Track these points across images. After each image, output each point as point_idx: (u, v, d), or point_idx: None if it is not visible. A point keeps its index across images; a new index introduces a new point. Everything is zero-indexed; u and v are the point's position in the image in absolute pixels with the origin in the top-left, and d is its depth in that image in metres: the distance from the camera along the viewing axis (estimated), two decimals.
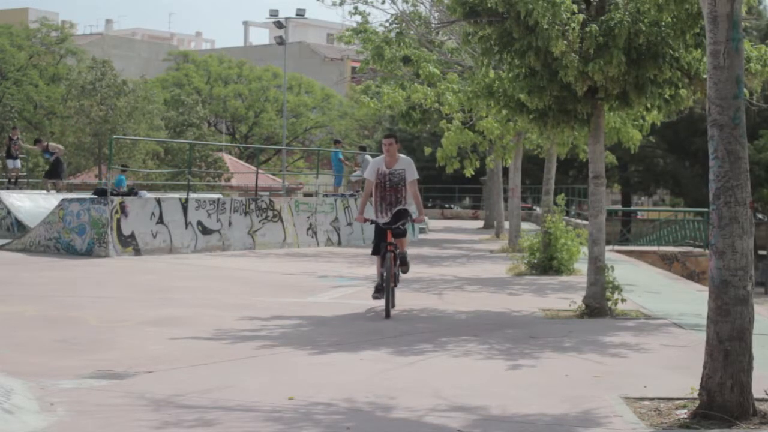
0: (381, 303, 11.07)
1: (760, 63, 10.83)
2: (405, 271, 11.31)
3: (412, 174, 11.00)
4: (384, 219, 10.95)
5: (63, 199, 19.29)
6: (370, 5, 22.29)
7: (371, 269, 16.31)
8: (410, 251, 24.20)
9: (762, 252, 38.56)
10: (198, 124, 49.56)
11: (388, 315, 10.50)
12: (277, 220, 22.07)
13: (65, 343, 8.70)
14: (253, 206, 21.39)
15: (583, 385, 7.17)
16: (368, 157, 26.17)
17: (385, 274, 10.61)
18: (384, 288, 10.65)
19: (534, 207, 43.98)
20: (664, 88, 11.00)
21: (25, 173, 30.50)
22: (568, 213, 33.88)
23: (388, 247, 10.68)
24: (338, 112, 59.49)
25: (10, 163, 26.36)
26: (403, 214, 10.93)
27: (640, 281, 15.43)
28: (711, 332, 6.14)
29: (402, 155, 11.11)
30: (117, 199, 18.39)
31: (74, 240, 18.26)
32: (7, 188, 25.15)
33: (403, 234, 10.93)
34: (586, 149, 15.46)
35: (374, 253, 11.01)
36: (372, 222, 11.01)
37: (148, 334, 9.27)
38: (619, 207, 46.44)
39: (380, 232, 10.86)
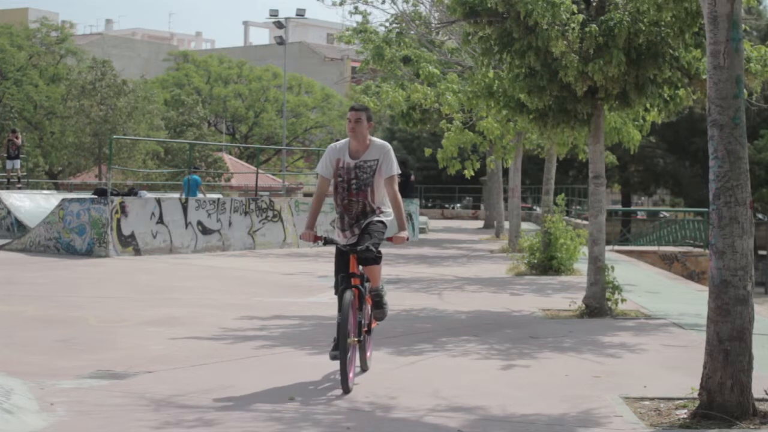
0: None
1: (760, 63, 10.84)
2: (380, 317, 7.41)
3: (389, 167, 7.15)
4: (347, 238, 7.21)
5: (63, 199, 19.31)
6: (370, 5, 22.32)
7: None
8: (410, 251, 24.11)
9: (762, 252, 38.58)
10: (198, 124, 49.57)
11: (346, 389, 6.72)
12: (277, 220, 22.07)
13: (65, 343, 8.70)
14: (253, 206, 21.39)
15: (582, 385, 7.18)
16: None
17: (341, 324, 6.65)
18: (340, 345, 6.65)
19: (534, 207, 44.00)
20: (663, 88, 11.00)
21: (25, 173, 30.47)
22: (568, 213, 33.89)
23: (353, 281, 6.92)
24: (338, 112, 59.46)
25: (9, 163, 26.37)
26: (374, 230, 7.12)
27: (640, 281, 15.43)
28: (711, 332, 6.14)
29: (376, 139, 7.27)
30: (117, 199, 18.40)
31: (74, 240, 18.26)
32: (7, 188, 25.19)
33: (375, 260, 7.05)
34: (586, 149, 15.47)
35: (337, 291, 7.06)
36: (325, 241, 7.06)
37: (148, 334, 9.27)
38: (619, 207, 46.47)
39: (341, 258, 7.10)
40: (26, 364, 7.60)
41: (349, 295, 6.77)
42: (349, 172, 7.20)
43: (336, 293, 6.99)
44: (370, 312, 7.36)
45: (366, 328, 7.28)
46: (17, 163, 26.35)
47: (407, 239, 7.08)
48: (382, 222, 7.24)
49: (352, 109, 7.28)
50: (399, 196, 7.23)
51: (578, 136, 15.35)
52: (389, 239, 7.02)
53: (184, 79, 58.96)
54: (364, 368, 7.44)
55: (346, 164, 7.20)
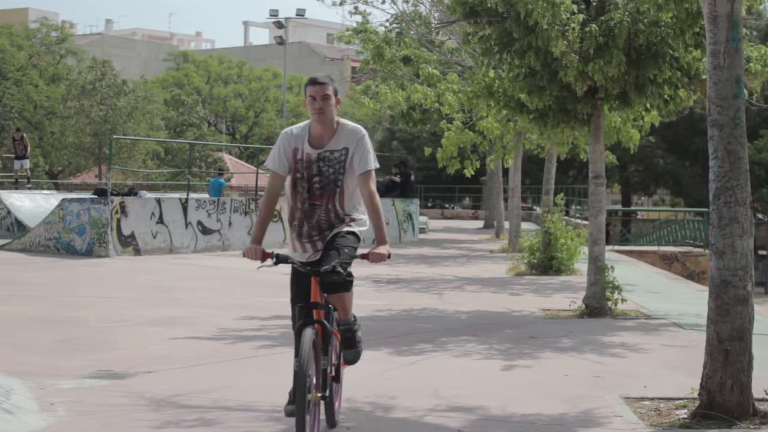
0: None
1: (760, 63, 10.84)
2: (352, 360, 5.70)
3: (364, 160, 5.42)
4: (306, 254, 5.59)
5: (63, 199, 19.31)
6: (370, 5, 22.32)
7: (371, 268, 16.31)
8: (410, 251, 24.06)
9: (762, 252, 38.56)
10: (198, 124, 49.58)
11: None
12: (277, 220, 22.00)
13: (65, 343, 8.70)
14: (253, 206, 21.39)
15: (582, 385, 7.18)
16: None
17: (298, 373, 4.96)
18: (297, 399, 4.94)
19: (534, 207, 44.00)
20: (663, 88, 11.01)
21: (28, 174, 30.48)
22: (568, 213, 33.90)
23: (315, 313, 5.24)
24: (338, 112, 59.33)
25: (17, 163, 26.38)
26: (343, 245, 5.40)
27: (640, 281, 15.43)
28: (711, 332, 6.14)
29: (346, 122, 5.59)
30: (117, 199, 18.40)
31: (74, 240, 18.26)
32: (16, 188, 25.26)
33: (344, 285, 5.36)
34: (586, 149, 15.48)
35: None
36: (278, 260, 5.31)
37: (148, 334, 9.27)
38: (619, 207, 46.47)
39: (299, 282, 5.47)
40: (26, 364, 7.60)
41: (309, 334, 5.00)
42: (309, 166, 5.44)
43: (293, 329, 5.30)
44: (338, 351, 5.62)
45: (333, 374, 5.49)
46: (26, 162, 26.32)
47: (388, 257, 5.23)
48: (353, 234, 5.48)
49: (315, 82, 5.41)
50: (377, 198, 5.36)
51: (578, 136, 15.37)
52: (364, 257, 5.25)
53: (184, 79, 58.97)
54: (331, 424, 5.71)
55: (306, 155, 5.44)
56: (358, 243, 5.48)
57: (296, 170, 5.47)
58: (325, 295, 5.35)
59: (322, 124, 5.43)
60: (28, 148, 26.63)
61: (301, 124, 5.57)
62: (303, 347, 4.96)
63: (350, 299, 5.51)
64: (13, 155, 26.70)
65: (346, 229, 5.48)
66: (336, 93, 5.47)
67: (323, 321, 5.25)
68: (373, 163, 5.44)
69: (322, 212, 5.48)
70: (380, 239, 5.29)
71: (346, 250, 5.35)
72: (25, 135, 27.47)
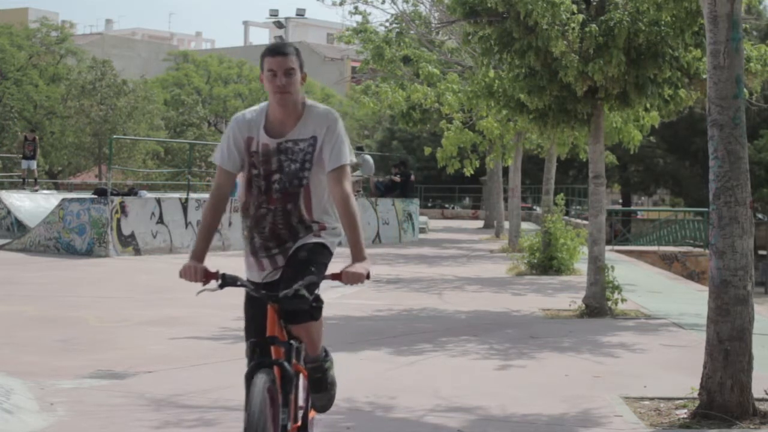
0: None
1: (760, 63, 10.85)
2: (323, 406, 4.61)
3: (337, 152, 4.21)
4: (263, 272, 4.39)
5: (63, 199, 19.31)
6: (370, 5, 22.36)
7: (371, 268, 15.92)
8: (410, 251, 24.10)
9: (762, 252, 38.59)
10: (198, 124, 49.60)
11: None
12: None
13: (65, 343, 8.70)
14: None
15: (582, 385, 7.18)
16: (368, 157, 26.14)
17: (247, 428, 3.69)
18: None
19: (534, 207, 44.01)
20: (663, 87, 11.01)
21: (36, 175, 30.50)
22: (567, 213, 33.91)
23: (273, 352, 4.07)
24: (338, 112, 59.31)
25: (24, 163, 26.40)
26: (310, 260, 4.26)
27: (640, 281, 15.43)
28: (711, 332, 6.14)
29: (315, 103, 4.37)
30: (117, 199, 18.41)
31: (74, 240, 18.27)
32: (23, 188, 25.31)
33: (311, 314, 4.23)
34: (586, 149, 15.49)
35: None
36: (224, 282, 4.13)
37: (148, 334, 9.27)
38: (619, 207, 46.49)
39: (253, 309, 4.30)
40: (26, 364, 7.60)
41: (262, 381, 3.82)
42: (267, 159, 4.25)
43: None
44: (305, 396, 4.50)
45: (298, 424, 4.33)
46: (33, 163, 26.32)
47: (367, 276, 4.06)
48: (323, 245, 4.32)
49: (276, 52, 4.16)
50: (353, 201, 4.15)
51: (578, 136, 15.38)
52: (335, 277, 4.07)
53: (184, 79, 58.95)
54: None
55: (263, 146, 4.25)
56: (328, 258, 4.33)
57: (251, 165, 4.26)
58: (285, 326, 4.17)
59: (283, 107, 4.20)
60: (38, 150, 26.66)
61: (257, 107, 4.35)
62: (254, 399, 3.74)
63: (319, 330, 4.33)
64: (21, 155, 26.70)
65: (313, 240, 4.29)
66: (302, 67, 4.22)
67: (282, 362, 4.02)
68: (349, 157, 4.22)
69: (284, 218, 4.26)
70: (357, 254, 4.07)
71: (312, 268, 4.17)
72: (36, 136, 27.49)
